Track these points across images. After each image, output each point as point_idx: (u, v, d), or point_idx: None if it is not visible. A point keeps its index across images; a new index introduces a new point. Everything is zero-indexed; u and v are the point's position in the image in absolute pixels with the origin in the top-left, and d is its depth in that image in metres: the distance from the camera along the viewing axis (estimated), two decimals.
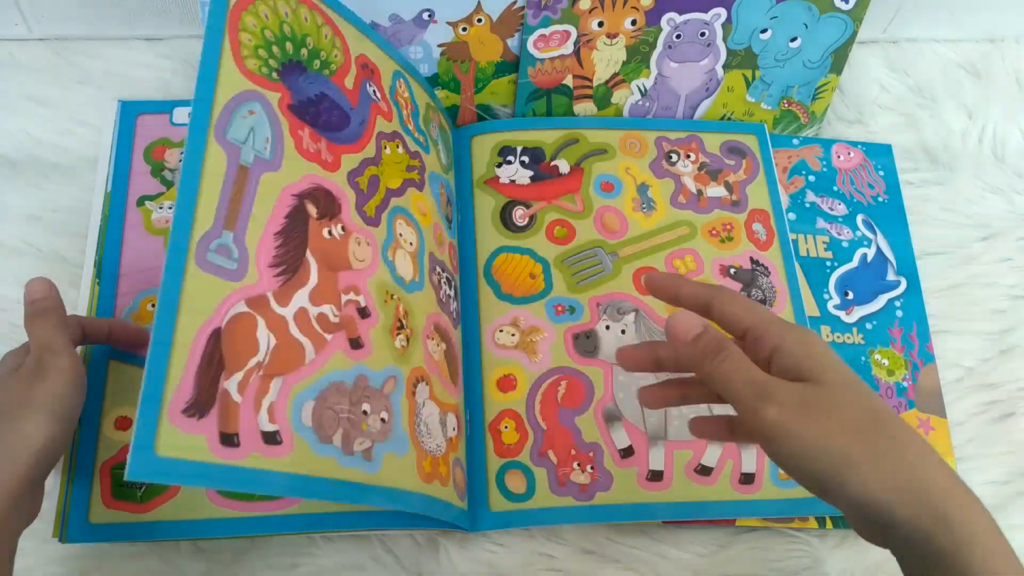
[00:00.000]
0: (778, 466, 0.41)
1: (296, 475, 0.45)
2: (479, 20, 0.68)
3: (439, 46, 0.69)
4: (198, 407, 0.42)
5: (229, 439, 0.43)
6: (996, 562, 0.37)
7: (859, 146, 0.76)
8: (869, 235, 0.72)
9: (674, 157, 0.71)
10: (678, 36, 0.70)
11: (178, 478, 0.42)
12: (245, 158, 0.48)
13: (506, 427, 0.62)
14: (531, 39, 0.69)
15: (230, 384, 0.44)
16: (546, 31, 0.68)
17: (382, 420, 0.51)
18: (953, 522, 0.37)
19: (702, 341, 0.42)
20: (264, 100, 0.50)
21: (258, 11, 0.52)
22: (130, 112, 0.67)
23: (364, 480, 0.48)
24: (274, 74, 0.52)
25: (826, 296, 0.69)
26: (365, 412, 0.50)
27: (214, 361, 0.44)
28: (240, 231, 0.47)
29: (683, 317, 0.44)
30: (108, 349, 0.59)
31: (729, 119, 0.76)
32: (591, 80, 0.72)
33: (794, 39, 0.71)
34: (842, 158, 0.75)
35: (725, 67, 0.73)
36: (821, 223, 0.72)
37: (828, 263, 0.70)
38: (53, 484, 0.56)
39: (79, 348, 0.56)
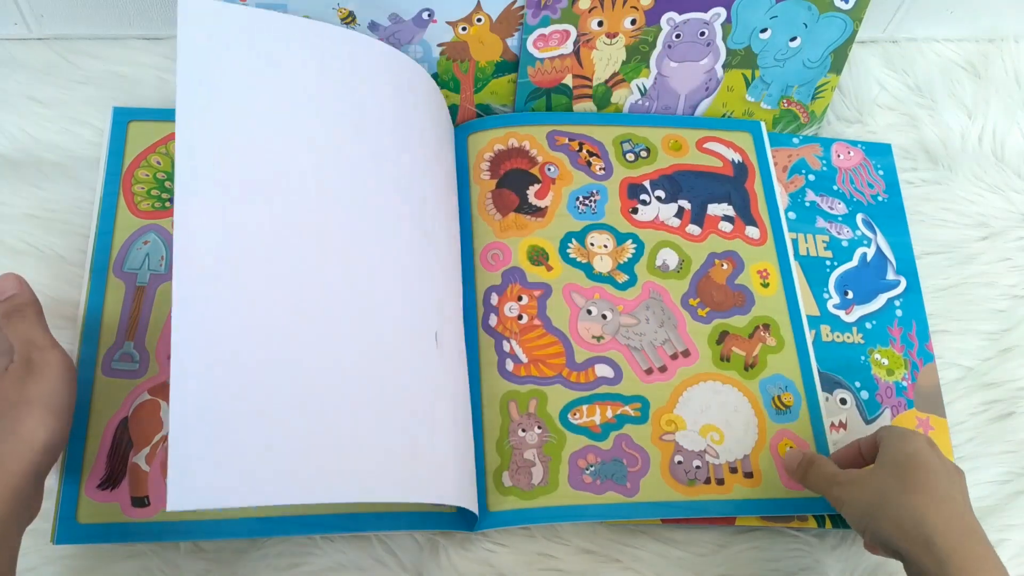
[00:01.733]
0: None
1: (208, 520, 0.56)
2: (479, 20, 0.68)
3: (439, 45, 0.69)
4: (111, 481, 0.56)
5: (140, 501, 0.56)
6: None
7: (859, 145, 0.76)
8: (869, 234, 0.72)
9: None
10: (678, 36, 0.70)
11: (98, 538, 0.55)
12: (141, 280, 0.62)
13: None
14: (531, 38, 0.69)
15: (139, 458, 0.57)
16: (546, 30, 0.68)
17: None
18: (936, 548, 0.50)
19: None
20: (159, 227, 0.64)
21: (151, 162, 0.66)
22: (122, 119, 0.68)
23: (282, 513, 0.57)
24: (167, 203, 0.65)
25: (826, 295, 0.69)
26: None
27: (123, 443, 0.57)
28: (140, 337, 0.60)
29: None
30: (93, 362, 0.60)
31: (729, 118, 0.76)
32: (591, 79, 0.72)
33: (794, 39, 0.71)
34: (842, 157, 0.75)
35: (725, 67, 0.73)
36: (821, 222, 0.72)
37: (828, 262, 0.70)
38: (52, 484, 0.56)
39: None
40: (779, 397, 0.65)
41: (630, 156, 0.71)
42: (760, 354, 0.66)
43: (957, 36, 0.84)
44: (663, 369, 0.64)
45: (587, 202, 0.69)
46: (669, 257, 0.68)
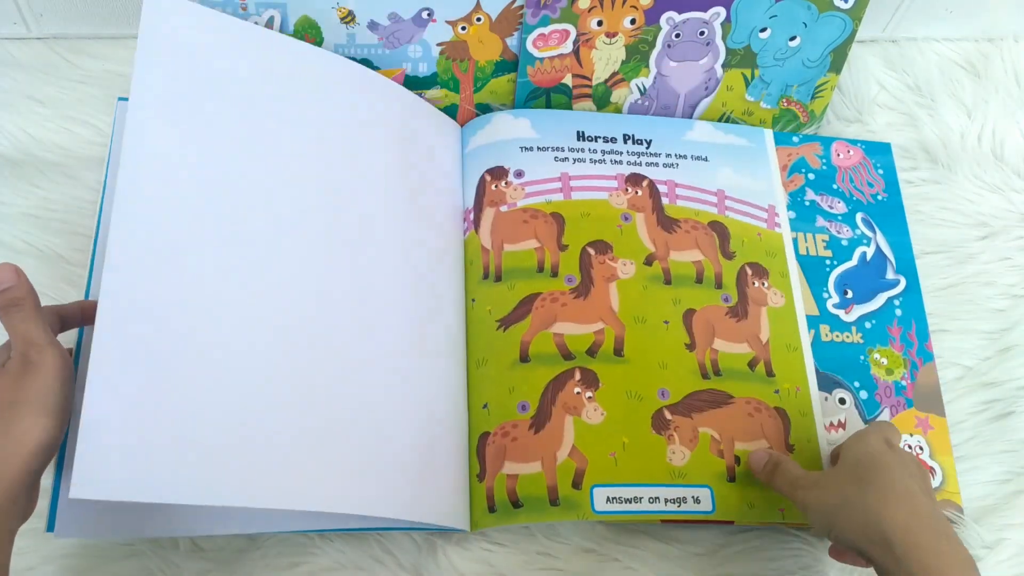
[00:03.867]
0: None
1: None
2: (478, 19, 0.68)
3: (438, 45, 0.69)
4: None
5: None
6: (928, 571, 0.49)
7: (858, 144, 0.76)
8: (868, 233, 0.72)
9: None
10: (677, 35, 0.70)
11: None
12: None
13: None
14: (530, 38, 0.69)
15: None
16: (545, 30, 0.68)
17: None
18: (894, 546, 0.49)
19: (767, 468, 0.59)
20: None
21: None
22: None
23: None
24: None
25: (825, 295, 0.69)
26: None
27: None
28: None
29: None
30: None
31: (728, 117, 0.76)
32: (590, 79, 0.72)
33: (793, 38, 0.71)
34: (842, 156, 0.75)
35: (724, 66, 0.73)
36: (821, 221, 0.72)
37: (828, 261, 0.70)
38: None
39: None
40: None
41: None
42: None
43: (956, 35, 0.84)
44: None
45: None
46: None
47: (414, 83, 0.71)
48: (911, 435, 0.65)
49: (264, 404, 0.56)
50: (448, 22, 0.68)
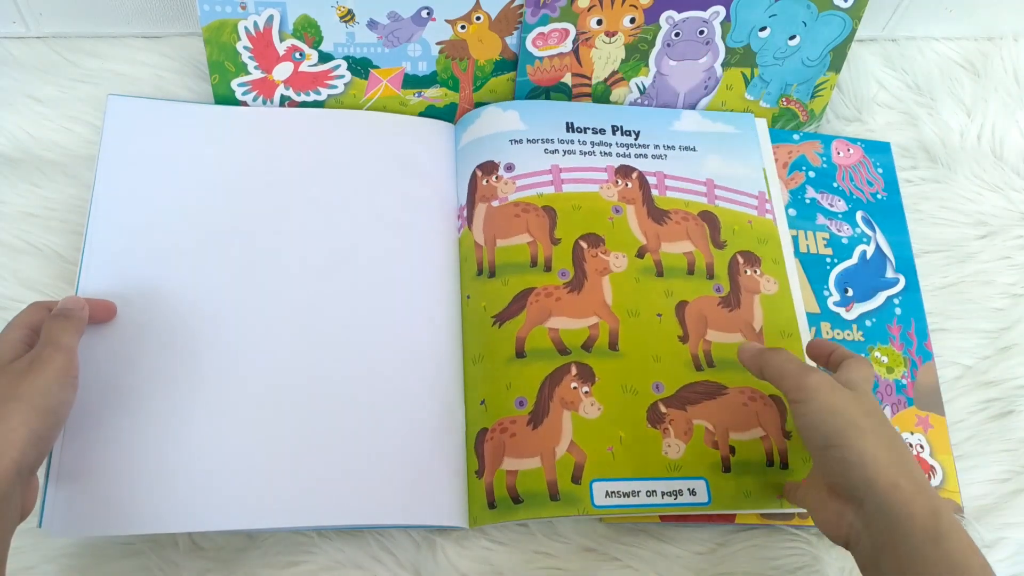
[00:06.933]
0: (798, 426, 0.52)
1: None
2: (478, 18, 0.68)
3: (437, 44, 0.69)
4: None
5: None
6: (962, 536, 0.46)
7: (858, 143, 0.76)
8: (868, 232, 0.72)
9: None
10: (677, 34, 0.70)
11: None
12: None
13: None
14: (530, 37, 0.69)
15: None
16: (545, 29, 0.68)
17: None
18: (931, 491, 0.47)
19: (763, 352, 0.56)
20: None
21: None
22: None
23: None
24: None
25: (826, 293, 0.69)
26: None
27: None
28: None
29: (745, 345, 0.58)
30: None
31: None
32: (590, 78, 0.72)
33: (793, 37, 0.71)
34: (842, 154, 0.75)
35: (724, 65, 0.73)
36: (821, 219, 0.72)
37: (828, 259, 0.70)
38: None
39: None
40: None
41: None
42: None
43: (956, 35, 0.84)
44: None
45: None
46: None
47: (413, 82, 0.71)
48: (912, 433, 0.66)
49: (251, 423, 0.58)
50: (447, 21, 0.68)
